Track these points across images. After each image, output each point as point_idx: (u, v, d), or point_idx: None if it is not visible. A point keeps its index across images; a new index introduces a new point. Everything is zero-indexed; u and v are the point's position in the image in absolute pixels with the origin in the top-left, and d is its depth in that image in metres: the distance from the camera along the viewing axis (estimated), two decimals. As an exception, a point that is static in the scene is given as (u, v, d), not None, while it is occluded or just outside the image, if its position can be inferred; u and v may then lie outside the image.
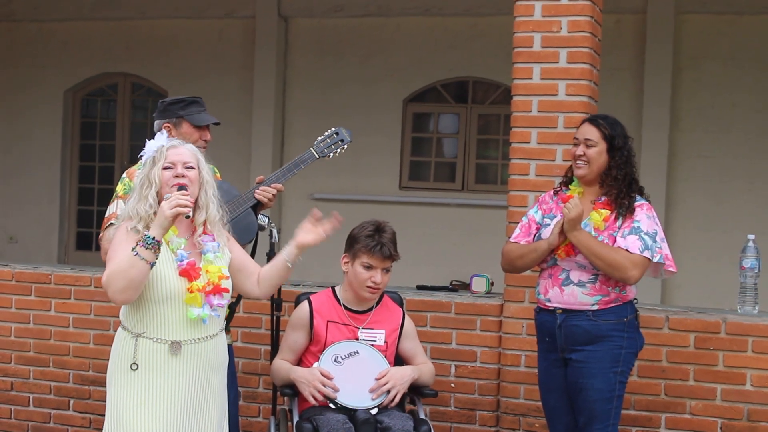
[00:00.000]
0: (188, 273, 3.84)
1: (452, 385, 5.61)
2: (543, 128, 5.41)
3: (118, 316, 3.99)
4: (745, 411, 5.19)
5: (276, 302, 5.02)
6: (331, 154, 4.94)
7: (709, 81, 9.62)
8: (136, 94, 11.57)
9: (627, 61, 9.71)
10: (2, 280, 6.26)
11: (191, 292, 3.82)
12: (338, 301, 4.76)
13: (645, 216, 4.54)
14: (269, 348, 5.11)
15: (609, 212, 4.53)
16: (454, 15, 10.26)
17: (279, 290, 4.97)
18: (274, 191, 4.82)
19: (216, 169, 5.09)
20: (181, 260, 3.85)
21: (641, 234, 4.48)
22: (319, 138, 4.96)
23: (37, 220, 11.41)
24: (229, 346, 5.00)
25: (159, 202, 3.83)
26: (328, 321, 4.68)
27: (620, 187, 4.54)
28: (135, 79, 11.43)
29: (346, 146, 4.96)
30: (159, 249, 3.73)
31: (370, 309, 4.76)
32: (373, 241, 4.62)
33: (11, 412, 6.27)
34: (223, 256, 3.97)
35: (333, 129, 4.98)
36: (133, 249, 3.70)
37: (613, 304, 4.55)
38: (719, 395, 5.23)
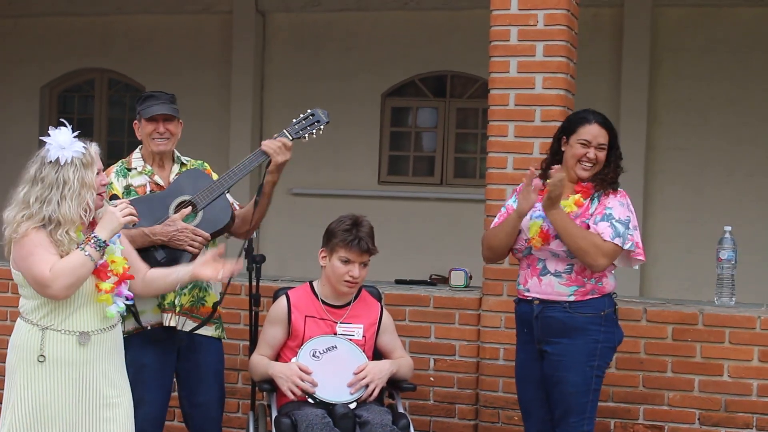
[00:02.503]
0: (98, 272, 3.88)
1: (431, 378, 5.61)
2: (520, 122, 5.41)
3: (16, 307, 3.98)
4: (722, 402, 5.22)
5: (254, 297, 4.99)
6: (306, 136, 4.78)
7: (686, 73, 9.64)
8: (113, 90, 11.52)
9: (605, 54, 9.72)
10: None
11: (102, 291, 3.88)
12: (316, 295, 4.74)
13: (618, 203, 4.54)
14: (248, 343, 5.09)
15: (582, 198, 4.53)
16: (432, 9, 10.24)
17: (257, 285, 4.95)
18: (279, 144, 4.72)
19: (207, 165, 5.04)
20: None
21: (613, 221, 4.47)
22: (294, 120, 4.82)
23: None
24: (218, 340, 4.97)
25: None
26: (306, 316, 4.67)
27: (607, 182, 4.57)
28: (112, 75, 11.38)
29: (322, 127, 4.81)
30: (105, 250, 3.84)
31: (348, 303, 4.75)
32: (350, 236, 4.62)
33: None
34: (120, 246, 4.04)
35: (309, 110, 4.84)
36: (82, 249, 3.78)
37: (590, 297, 4.53)
38: (697, 386, 5.25)
